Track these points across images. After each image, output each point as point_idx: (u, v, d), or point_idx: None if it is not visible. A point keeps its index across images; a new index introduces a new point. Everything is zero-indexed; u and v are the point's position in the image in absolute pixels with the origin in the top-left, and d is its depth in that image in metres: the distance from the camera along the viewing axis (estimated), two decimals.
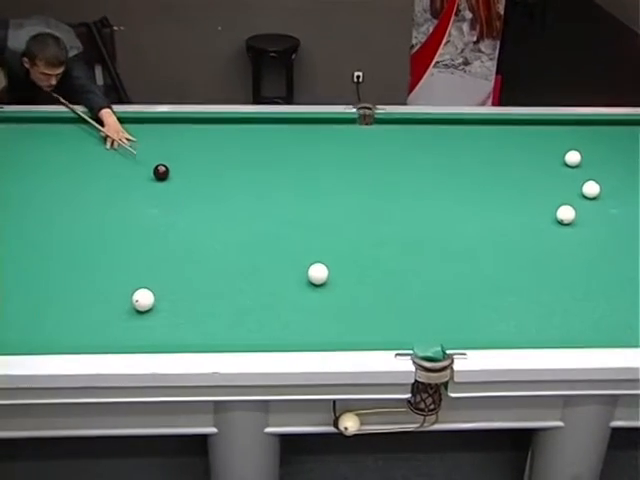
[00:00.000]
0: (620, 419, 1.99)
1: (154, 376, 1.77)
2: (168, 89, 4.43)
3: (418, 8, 4.63)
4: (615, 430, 2.02)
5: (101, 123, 3.03)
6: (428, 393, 1.84)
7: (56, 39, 3.05)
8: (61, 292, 2.10)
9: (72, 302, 2.06)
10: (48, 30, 3.13)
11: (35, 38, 3.04)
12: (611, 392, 1.90)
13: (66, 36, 3.22)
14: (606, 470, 2.13)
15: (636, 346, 1.89)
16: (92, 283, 2.14)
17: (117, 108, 3.14)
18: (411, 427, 1.92)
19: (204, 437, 1.98)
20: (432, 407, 1.86)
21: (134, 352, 1.82)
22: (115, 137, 2.95)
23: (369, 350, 1.84)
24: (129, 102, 4.39)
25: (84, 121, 3.08)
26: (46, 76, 3.05)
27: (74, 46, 3.25)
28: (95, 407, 1.84)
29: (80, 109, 3.11)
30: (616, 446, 2.08)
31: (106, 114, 3.04)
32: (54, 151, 2.91)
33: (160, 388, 1.79)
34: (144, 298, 2.00)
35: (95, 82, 3.92)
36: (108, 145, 2.96)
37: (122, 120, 3.04)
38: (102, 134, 2.99)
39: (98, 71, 4.48)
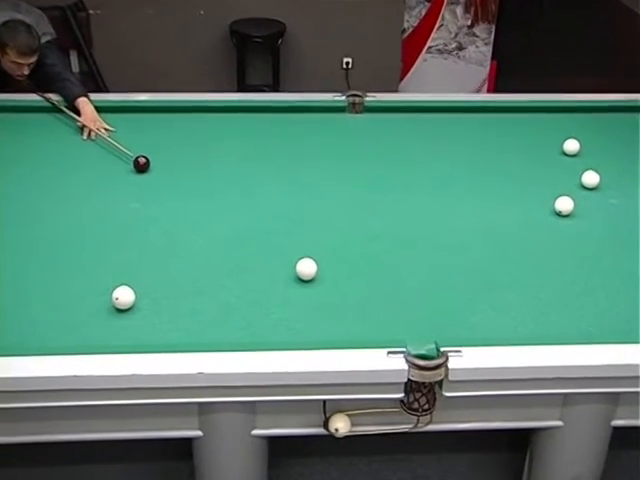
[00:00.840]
0: (622, 418, 2.00)
1: (135, 377, 1.77)
2: (148, 77, 4.42)
3: None
4: (616, 429, 2.04)
5: (77, 112, 3.02)
6: (422, 392, 1.85)
7: (28, 26, 3.03)
8: (37, 290, 2.10)
9: (49, 300, 2.06)
10: (19, 16, 3.11)
11: (5, 25, 3.02)
12: (612, 390, 1.92)
13: (38, 21, 3.20)
14: (607, 471, 2.14)
15: (637, 342, 1.91)
16: (70, 280, 2.14)
17: (94, 97, 3.12)
18: (405, 428, 1.93)
19: (188, 441, 1.98)
20: (426, 407, 1.87)
21: (114, 352, 1.82)
22: (92, 127, 2.94)
23: (360, 348, 1.85)
24: (107, 90, 4.37)
25: (59, 110, 3.07)
26: (18, 65, 3.03)
27: (47, 32, 3.23)
28: (73, 410, 1.83)
29: (55, 98, 3.10)
30: (618, 446, 2.09)
31: (82, 103, 3.03)
32: (28, 143, 2.90)
33: (142, 390, 1.79)
34: (124, 296, 2.00)
35: (70, 69, 3.91)
36: (85, 136, 2.95)
37: (99, 109, 3.03)
38: (79, 124, 2.98)
39: (73, 58, 4.46)
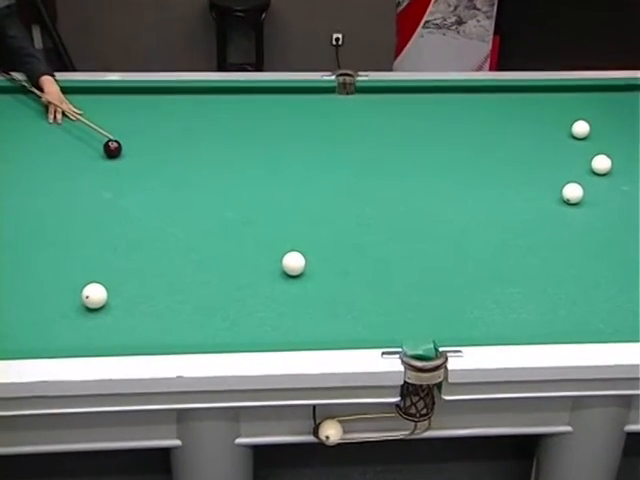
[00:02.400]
0: (636, 422, 2.01)
1: (107, 382, 1.77)
2: (119, 55, 4.41)
3: None
4: (630, 435, 2.05)
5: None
6: (419, 396, 1.86)
7: None
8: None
9: (12, 299, 2.05)
10: None
11: None
12: (625, 392, 1.93)
13: None
14: (620, 479, 2.16)
15: None
16: (35, 277, 2.14)
17: (60, 76, 3.11)
18: (401, 435, 1.94)
19: (166, 451, 1.98)
20: (424, 412, 1.88)
21: (84, 355, 1.82)
22: (58, 106, 2.92)
23: (352, 348, 1.86)
24: (74, 70, 4.36)
25: (23, 91, 3.05)
26: None
27: None
28: (40, 420, 1.83)
29: (19, 77, 3.07)
30: (632, 453, 2.11)
31: (47, 82, 3.01)
32: None
33: (114, 396, 1.79)
34: (95, 294, 2.00)
35: (33, 45, 3.89)
36: (51, 117, 2.94)
37: (66, 90, 3.02)
38: (43, 100, 2.96)
39: (36, 33, 4.43)
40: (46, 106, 2.97)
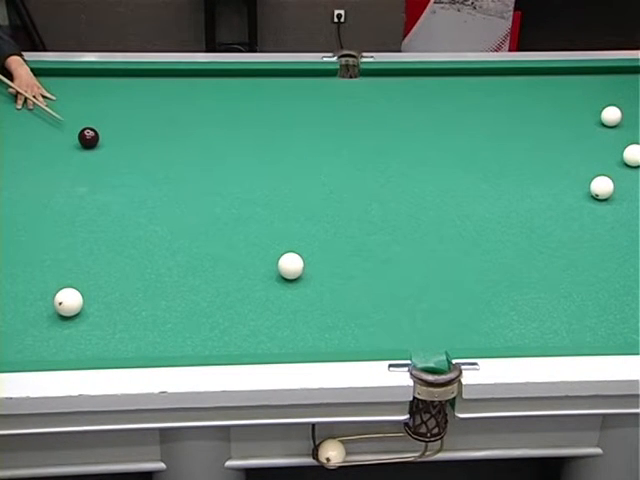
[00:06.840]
0: None
1: (83, 399, 1.78)
2: (96, 33, 4.41)
3: None
4: None
5: (8, 76, 3.01)
6: (430, 414, 1.86)
7: None
8: None
9: None
10: None
11: None
12: None
13: None
14: None
15: None
16: (2, 282, 2.14)
17: (29, 57, 3.12)
18: (410, 457, 1.95)
19: (149, 475, 1.99)
20: (436, 431, 1.89)
21: (57, 369, 1.82)
22: (29, 94, 2.94)
23: (356, 360, 1.86)
24: (44, 49, 4.36)
25: None
26: None
27: None
28: (7, 440, 1.83)
29: None
30: None
31: (16, 63, 3.03)
32: None
33: (91, 414, 1.79)
34: (69, 300, 2.01)
35: None
36: (19, 104, 2.95)
37: (36, 72, 3.03)
38: (11, 90, 2.98)
39: (1, 8, 4.43)
40: (15, 94, 2.97)
